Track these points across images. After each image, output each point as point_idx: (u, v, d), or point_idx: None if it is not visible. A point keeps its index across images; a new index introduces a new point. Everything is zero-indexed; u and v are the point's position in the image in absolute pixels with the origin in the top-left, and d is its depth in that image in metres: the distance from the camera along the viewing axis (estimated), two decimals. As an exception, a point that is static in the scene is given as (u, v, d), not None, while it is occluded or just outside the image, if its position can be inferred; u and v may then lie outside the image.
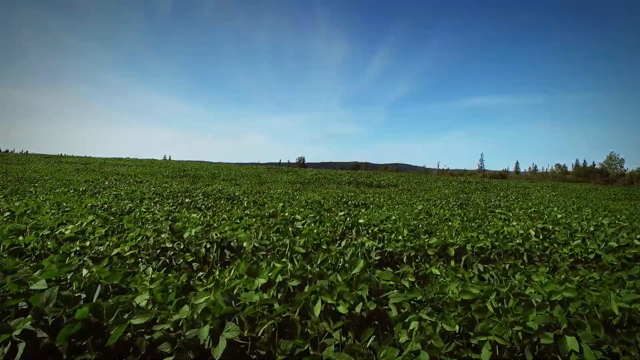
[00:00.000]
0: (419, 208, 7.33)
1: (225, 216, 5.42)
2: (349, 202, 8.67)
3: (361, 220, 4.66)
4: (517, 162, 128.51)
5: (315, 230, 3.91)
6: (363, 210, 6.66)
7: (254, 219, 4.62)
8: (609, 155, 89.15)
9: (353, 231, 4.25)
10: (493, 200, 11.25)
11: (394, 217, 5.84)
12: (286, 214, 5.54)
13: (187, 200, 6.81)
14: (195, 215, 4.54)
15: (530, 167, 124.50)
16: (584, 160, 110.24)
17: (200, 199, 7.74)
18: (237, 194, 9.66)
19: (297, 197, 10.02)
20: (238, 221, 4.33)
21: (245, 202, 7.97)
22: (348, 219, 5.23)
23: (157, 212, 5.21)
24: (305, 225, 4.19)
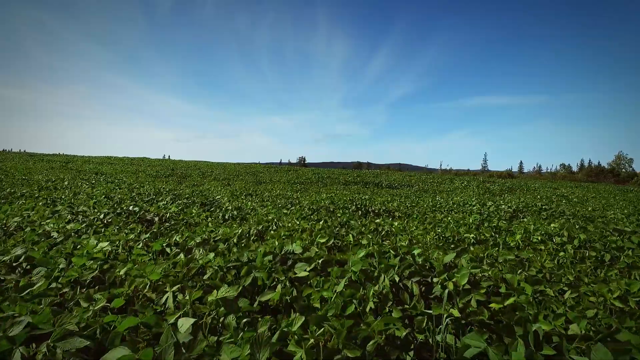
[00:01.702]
0: (472, 219, 5.11)
1: (162, 244, 3.20)
2: (366, 209, 6.46)
3: (416, 254, 2.43)
4: (521, 162, 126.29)
5: (337, 290, 1.71)
6: (396, 224, 4.45)
7: (213, 256, 2.38)
8: (617, 154, 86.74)
9: (412, 283, 2.04)
10: (539, 204, 9.00)
11: (451, 237, 3.61)
12: (280, 239, 3.33)
13: (133, 208, 4.60)
14: (104, 244, 2.36)
15: (534, 167, 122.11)
16: (589, 160, 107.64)
17: (159, 205, 5.53)
18: (218, 197, 7.44)
19: (299, 201, 7.81)
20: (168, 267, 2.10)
21: (226, 211, 5.75)
22: (384, 243, 3.04)
23: (56, 232, 3.00)
24: (315, 276, 1.98)
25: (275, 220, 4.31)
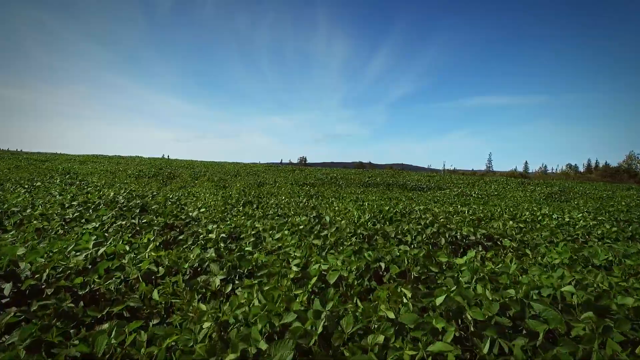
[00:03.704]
0: None
1: None
2: (451, 235, 3.75)
3: None
4: (526, 162, 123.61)
5: None
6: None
7: None
8: (628, 154, 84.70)
9: None
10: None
11: None
12: None
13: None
14: None
15: (540, 167, 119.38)
16: (596, 160, 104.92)
17: (75, 234, 2.79)
18: (201, 210, 4.68)
19: (324, 211, 5.08)
20: None
21: (207, 242, 3.03)
22: None
23: None
24: None
25: (308, 290, 1.56)
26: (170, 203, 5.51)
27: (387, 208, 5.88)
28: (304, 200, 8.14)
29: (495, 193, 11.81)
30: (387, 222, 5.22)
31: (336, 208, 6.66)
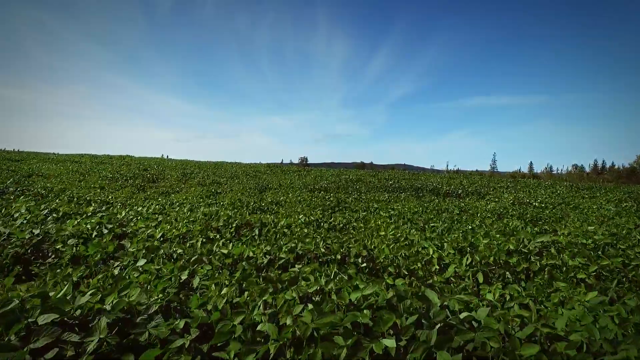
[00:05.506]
0: None
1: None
2: None
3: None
4: (531, 163, 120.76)
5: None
6: None
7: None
8: (639, 155, 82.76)
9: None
10: None
11: None
12: None
13: None
14: None
15: (545, 168, 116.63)
16: (603, 161, 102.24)
17: None
18: (139, 261, 2.19)
19: (369, 241, 2.56)
20: None
21: None
22: None
23: None
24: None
25: None
26: (105, 232, 3.02)
27: (484, 240, 3.37)
28: (327, 216, 5.66)
29: (557, 202, 9.28)
30: (511, 275, 2.74)
31: (383, 233, 4.18)
